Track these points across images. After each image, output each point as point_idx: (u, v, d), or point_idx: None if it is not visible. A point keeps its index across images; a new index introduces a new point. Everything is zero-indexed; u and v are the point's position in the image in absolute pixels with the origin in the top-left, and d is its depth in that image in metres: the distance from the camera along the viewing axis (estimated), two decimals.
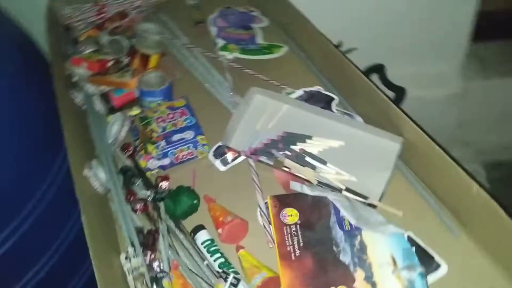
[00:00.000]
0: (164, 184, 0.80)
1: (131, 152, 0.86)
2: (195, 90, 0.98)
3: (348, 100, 0.93)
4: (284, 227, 0.69)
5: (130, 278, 0.67)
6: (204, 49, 1.07)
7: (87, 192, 0.77)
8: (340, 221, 0.70)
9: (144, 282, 0.66)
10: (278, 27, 1.14)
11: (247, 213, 0.76)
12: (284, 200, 0.72)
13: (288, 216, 0.71)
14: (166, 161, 0.85)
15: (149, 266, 0.68)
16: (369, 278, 0.64)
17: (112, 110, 0.94)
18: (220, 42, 1.07)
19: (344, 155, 0.80)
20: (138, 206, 0.78)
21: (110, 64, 1.01)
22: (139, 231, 0.73)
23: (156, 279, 0.66)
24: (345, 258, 0.66)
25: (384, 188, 0.75)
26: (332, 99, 0.89)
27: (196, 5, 1.21)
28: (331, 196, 0.72)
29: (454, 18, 1.48)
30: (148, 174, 0.84)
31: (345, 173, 0.77)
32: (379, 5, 1.39)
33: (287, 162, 0.78)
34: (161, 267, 0.69)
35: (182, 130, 0.87)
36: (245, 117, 0.86)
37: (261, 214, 0.76)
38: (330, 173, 0.77)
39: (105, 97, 0.94)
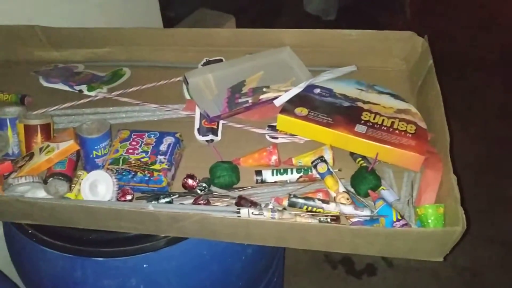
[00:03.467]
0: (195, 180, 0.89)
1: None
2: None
3: None
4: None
5: None
6: (71, 102, 1.06)
7: None
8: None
9: None
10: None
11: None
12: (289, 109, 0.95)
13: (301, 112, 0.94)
14: (173, 169, 0.90)
15: None
16: None
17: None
18: (81, 87, 1.08)
19: (269, 76, 1.06)
20: (202, 202, 0.84)
21: (17, 159, 0.90)
22: None
23: None
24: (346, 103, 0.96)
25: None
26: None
27: None
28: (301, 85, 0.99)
29: None
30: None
31: (283, 83, 1.04)
32: None
33: (262, 95, 0.99)
34: None
35: (158, 142, 0.92)
36: (196, 98, 0.99)
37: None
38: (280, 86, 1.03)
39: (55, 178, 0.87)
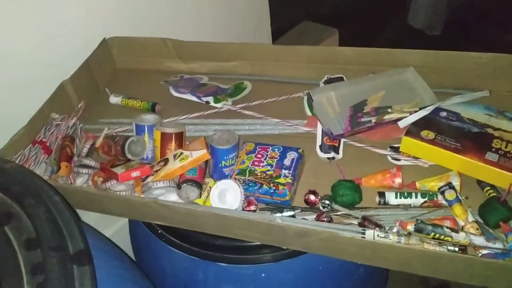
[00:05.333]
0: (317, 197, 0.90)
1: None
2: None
3: None
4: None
5: None
6: (198, 112, 1.13)
7: None
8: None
9: None
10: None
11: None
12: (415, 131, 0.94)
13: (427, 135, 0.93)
14: (295, 184, 0.93)
15: None
16: None
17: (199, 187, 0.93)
18: (208, 98, 1.14)
19: (391, 97, 1.05)
20: (325, 219, 0.86)
21: (153, 164, 0.98)
22: None
23: None
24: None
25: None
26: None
27: None
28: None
29: None
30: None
31: (406, 103, 1.03)
32: None
33: (386, 115, 0.99)
34: None
35: (282, 156, 0.96)
36: (320, 115, 1.02)
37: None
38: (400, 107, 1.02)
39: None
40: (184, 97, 1.18)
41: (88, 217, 1.09)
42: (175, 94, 1.19)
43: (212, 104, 1.15)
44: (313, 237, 0.80)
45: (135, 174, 0.93)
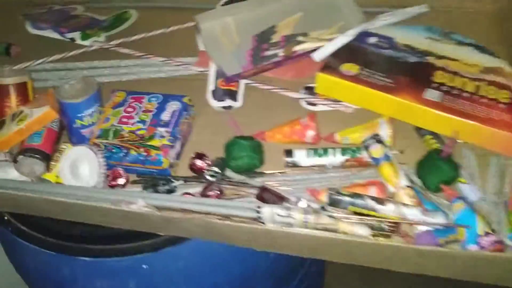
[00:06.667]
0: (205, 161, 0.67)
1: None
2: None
3: None
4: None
5: None
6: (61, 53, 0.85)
7: None
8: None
9: None
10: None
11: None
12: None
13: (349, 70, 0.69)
14: (178, 144, 0.69)
15: None
16: None
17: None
18: (74, 34, 0.87)
19: (309, 20, 0.80)
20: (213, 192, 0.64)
21: None
22: None
23: None
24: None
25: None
26: None
27: None
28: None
29: None
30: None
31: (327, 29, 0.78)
32: None
33: (298, 46, 0.74)
34: None
35: (160, 109, 0.71)
36: (211, 50, 0.76)
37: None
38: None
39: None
40: (43, 34, 0.90)
41: None
42: (32, 31, 0.91)
43: (79, 41, 0.87)
44: (186, 223, 0.58)
45: None
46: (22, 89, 0.74)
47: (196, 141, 0.74)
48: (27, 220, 0.73)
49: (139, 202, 0.59)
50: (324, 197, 0.60)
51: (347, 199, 0.59)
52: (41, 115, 0.68)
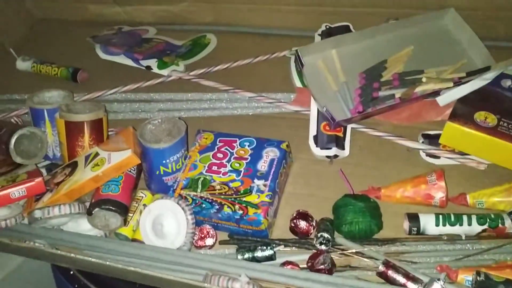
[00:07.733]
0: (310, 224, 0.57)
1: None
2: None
3: None
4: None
5: None
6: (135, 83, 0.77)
7: None
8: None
9: None
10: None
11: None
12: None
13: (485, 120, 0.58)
14: (276, 200, 0.59)
15: None
16: None
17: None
18: (150, 62, 0.78)
19: (422, 55, 0.69)
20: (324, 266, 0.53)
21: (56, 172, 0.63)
22: None
23: None
24: None
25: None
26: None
27: None
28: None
29: None
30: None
31: (446, 66, 0.67)
32: None
33: (419, 87, 0.62)
34: None
35: (255, 156, 0.61)
36: (314, 88, 0.65)
37: None
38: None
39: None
40: (115, 60, 0.81)
41: None
42: (103, 56, 0.83)
43: (156, 70, 0.79)
44: None
45: (17, 193, 0.59)
46: (97, 126, 0.66)
47: (291, 192, 0.63)
48: (95, 278, 0.64)
49: (242, 278, 0.49)
50: (462, 276, 0.49)
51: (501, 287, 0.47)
52: (121, 161, 0.59)
